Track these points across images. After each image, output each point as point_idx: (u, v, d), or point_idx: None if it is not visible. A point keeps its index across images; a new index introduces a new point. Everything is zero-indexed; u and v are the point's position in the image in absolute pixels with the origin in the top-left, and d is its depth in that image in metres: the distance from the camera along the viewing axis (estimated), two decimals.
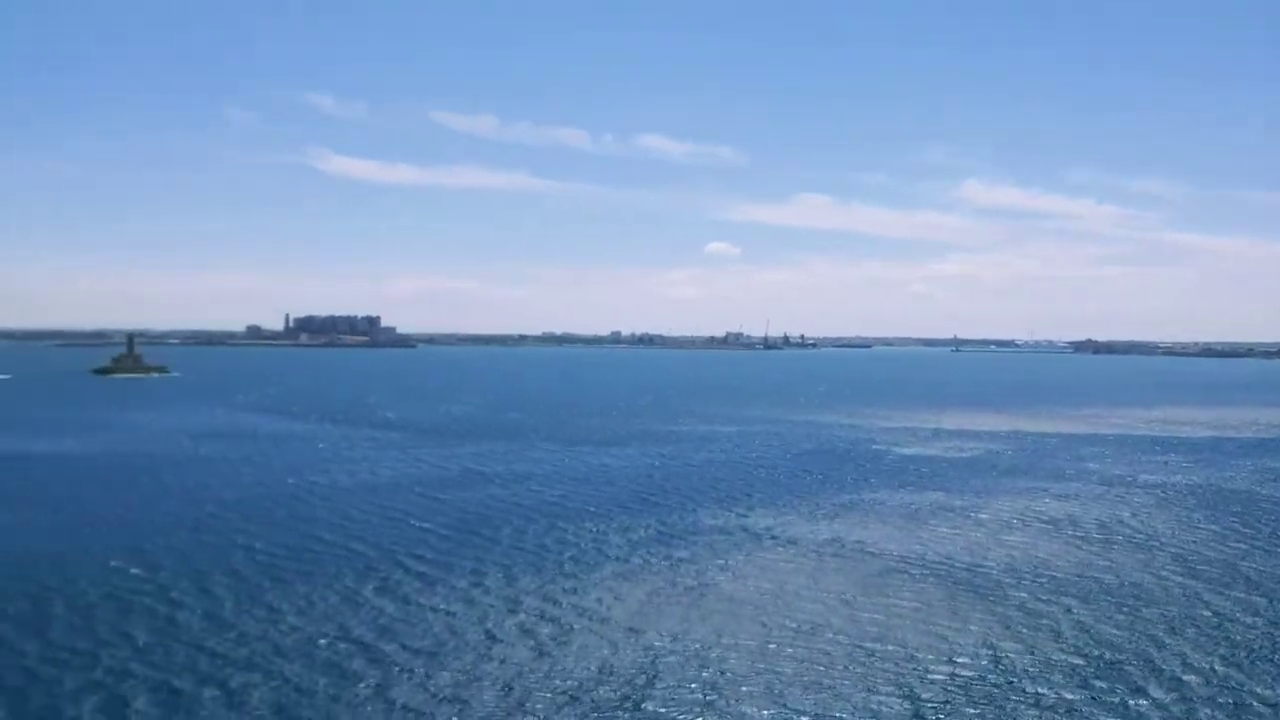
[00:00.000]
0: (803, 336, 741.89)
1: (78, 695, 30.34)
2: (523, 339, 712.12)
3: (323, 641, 35.59)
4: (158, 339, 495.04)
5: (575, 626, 37.55)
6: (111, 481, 71.39)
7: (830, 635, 36.60)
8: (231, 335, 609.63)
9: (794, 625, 37.81)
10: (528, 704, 29.97)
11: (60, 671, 32.25)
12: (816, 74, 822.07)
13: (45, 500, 63.22)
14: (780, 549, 51.24)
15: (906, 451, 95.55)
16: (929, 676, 32.45)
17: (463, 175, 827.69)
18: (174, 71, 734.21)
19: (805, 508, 63.57)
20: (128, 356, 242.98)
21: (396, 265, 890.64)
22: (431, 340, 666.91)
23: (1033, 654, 34.91)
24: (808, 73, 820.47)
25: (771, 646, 35.29)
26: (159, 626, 37.10)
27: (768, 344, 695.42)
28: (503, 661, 33.65)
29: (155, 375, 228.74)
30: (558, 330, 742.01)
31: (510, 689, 31.17)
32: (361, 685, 31.43)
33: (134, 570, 45.14)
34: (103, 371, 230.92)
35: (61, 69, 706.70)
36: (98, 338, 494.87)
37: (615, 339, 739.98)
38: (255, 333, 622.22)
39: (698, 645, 35.36)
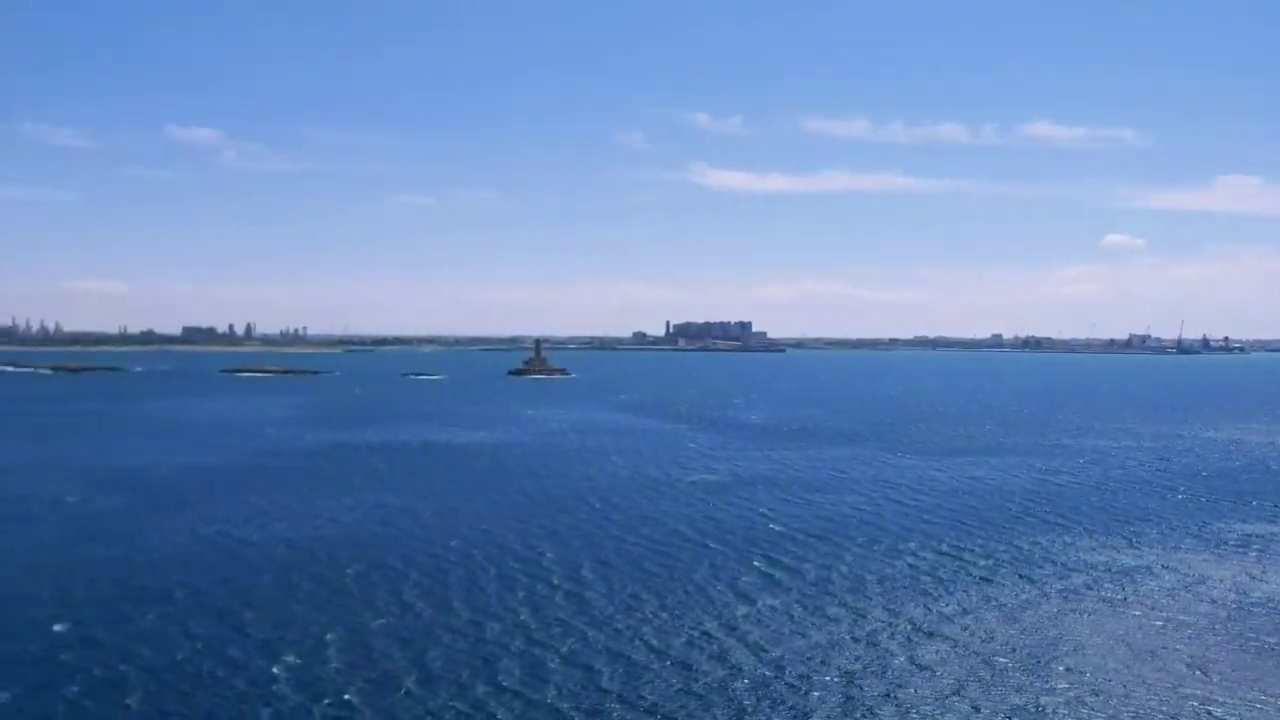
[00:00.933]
0: (1226, 340, 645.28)
1: (469, 658, 34.64)
2: (893, 343, 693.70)
3: (675, 632, 37.33)
4: (560, 344, 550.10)
5: (923, 645, 35.85)
6: (513, 470, 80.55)
7: (1227, 699, 31.41)
8: (620, 341, 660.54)
9: (1186, 681, 32.98)
10: (866, 717, 29.20)
11: (454, 638, 37.03)
12: (1232, 36, 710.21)
13: (462, 485, 72.85)
14: (1176, 589, 44.98)
15: None
16: None
17: (833, 180, 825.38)
18: (571, 102, 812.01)
19: (1211, 541, 55.24)
20: (536, 360, 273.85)
21: (768, 272, 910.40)
22: (800, 344, 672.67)
23: None
24: (1220, 35, 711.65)
25: (1150, 705, 31.06)
26: (537, 604, 41.17)
27: (1181, 348, 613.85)
28: (843, 672, 33.03)
29: (558, 377, 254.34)
30: (931, 334, 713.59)
31: (850, 700, 30.53)
32: (706, 679, 32.52)
33: (522, 552, 50.56)
34: (516, 373, 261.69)
35: (483, 107, 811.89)
36: (512, 343, 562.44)
37: (996, 342, 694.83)
38: (640, 338, 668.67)
39: (1061, 686, 32.14)
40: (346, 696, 31.02)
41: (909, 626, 38.15)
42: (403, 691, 31.50)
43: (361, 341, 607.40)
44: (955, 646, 35.81)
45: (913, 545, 52.64)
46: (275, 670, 33.14)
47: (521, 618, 39.33)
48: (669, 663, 34.10)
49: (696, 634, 37.25)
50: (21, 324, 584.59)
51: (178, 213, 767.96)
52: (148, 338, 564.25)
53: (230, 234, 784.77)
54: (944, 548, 52.21)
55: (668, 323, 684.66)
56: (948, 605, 41.14)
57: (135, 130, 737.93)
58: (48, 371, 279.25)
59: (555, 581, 44.84)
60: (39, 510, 61.14)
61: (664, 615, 39.68)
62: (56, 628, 37.19)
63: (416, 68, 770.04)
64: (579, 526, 57.29)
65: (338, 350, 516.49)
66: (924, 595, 42.77)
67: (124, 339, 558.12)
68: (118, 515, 59.64)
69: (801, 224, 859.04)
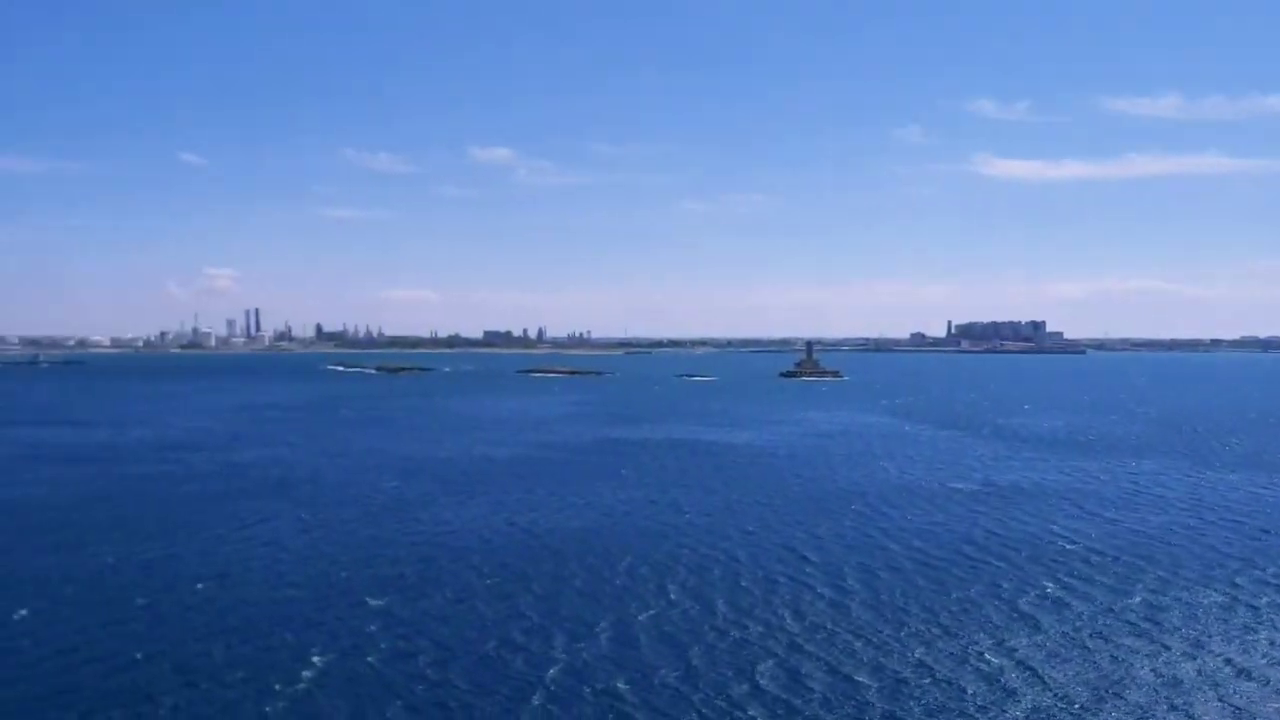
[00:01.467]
0: None
1: (731, 657, 34.91)
2: (1215, 344, 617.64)
3: (945, 649, 35.47)
4: (832, 346, 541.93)
5: (1235, 686, 31.55)
6: (778, 471, 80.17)
7: None
8: (897, 342, 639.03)
9: None
10: None
11: (716, 636, 37.47)
12: None
13: (727, 485, 73.55)
14: None
15: None
16: None
17: (1139, 164, 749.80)
18: (843, 100, 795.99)
19: None
20: (807, 361, 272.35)
21: (1064, 267, 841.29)
22: (1101, 346, 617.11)
23: None
24: None
25: None
26: (799, 608, 40.62)
27: None
28: (1136, 707, 29.83)
29: (829, 379, 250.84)
30: (1262, 333, 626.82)
31: None
32: (978, 701, 30.61)
33: (785, 554, 50.20)
34: (787, 375, 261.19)
35: (755, 111, 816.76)
36: (783, 345, 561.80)
37: None
38: (919, 339, 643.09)
39: None
40: (614, 684, 32.30)
41: (1219, 663, 33.76)
42: (665, 685, 32.31)
43: (640, 344, 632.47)
44: (1269, 689, 31.22)
45: (1229, 573, 46.51)
46: (549, 653, 35.18)
47: (783, 621, 39.05)
48: (937, 681, 32.46)
49: (969, 653, 35.18)
50: (351, 329, 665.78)
51: (479, 226, 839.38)
52: (454, 340, 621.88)
53: (523, 244, 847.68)
54: (1268, 577, 45.71)
55: (949, 323, 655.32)
56: (1268, 642, 35.96)
57: (442, 153, 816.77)
58: (372, 371, 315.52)
59: (818, 587, 44.10)
60: (362, 494, 69.02)
61: (934, 630, 37.84)
62: (369, 601, 41.73)
63: (689, 79, 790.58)
64: (844, 533, 55.99)
65: (618, 352, 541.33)
66: (1240, 630, 37.67)
67: (434, 342, 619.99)
68: (424, 501, 66.01)
69: (1102, 213, 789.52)
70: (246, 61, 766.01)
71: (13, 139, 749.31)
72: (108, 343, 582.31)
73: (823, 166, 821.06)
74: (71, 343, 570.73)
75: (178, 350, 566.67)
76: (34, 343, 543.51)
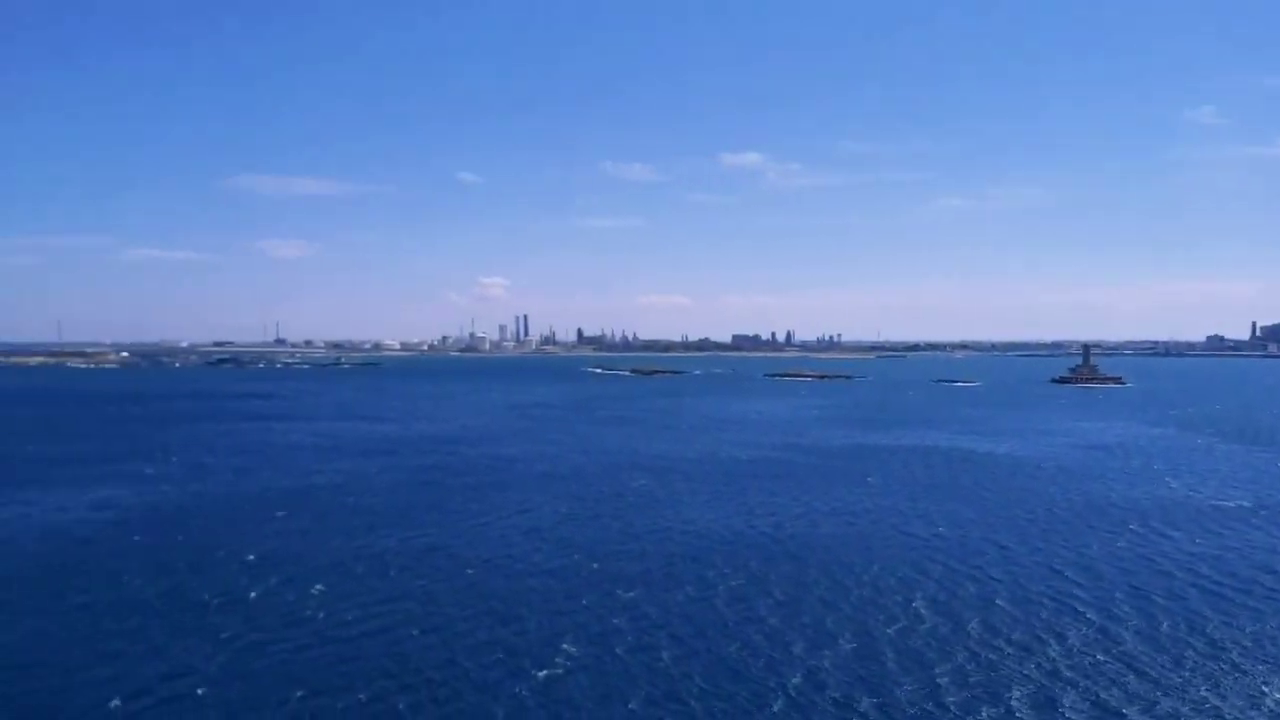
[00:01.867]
0: None
1: (981, 680, 33.13)
2: None
3: (1232, 688, 31.73)
4: (1113, 350, 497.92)
5: None
6: (1044, 484, 74.68)
7: None
8: (1190, 346, 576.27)
9: None
10: None
11: (965, 657, 35.67)
12: None
13: (982, 496, 69.61)
14: None
15: None
16: None
17: None
18: (1122, 79, 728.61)
19: None
20: (1084, 367, 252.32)
21: None
22: None
23: None
24: None
25: None
26: (1061, 633, 37.88)
27: None
28: None
29: (1110, 385, 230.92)
30: None
31: None
32: None
33: (1045, 574, 46.86)
34: (1061, 381, 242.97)
35: (1020, 99, 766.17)
36: (1056, 349, 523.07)
37: None
38: (1217, 343, 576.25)
39: None
40: (855, 697, 31.68)
41: None
42: (910, 703, 31.26)
43: (893, 347, 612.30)
44: None
45: None
46: (788, 659, 35.02)
47: (1044, 645, 36.55)
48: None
49: (1264, 694, 31.37)
50: (609, 333, 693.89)
51: (728, 231, 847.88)
52: (704, 344, 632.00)
53: (772, 248, 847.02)
54: None
55: (1254, 324, 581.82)
56: None
57: (694, 161, 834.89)
58: (627, 373, 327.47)
59: (1085, 612, 40.81)
60: (615, 490, 71.85)
61: (1221, 666, 34.00)
62: (618, 593, 43.45)
63: (943, 68, 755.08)
64: (1116, 554, 51.34)
65: (870, 356, 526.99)
66: None
67: (685, 345, 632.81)
68: (671, 499, 67.66)
69: None
70: (514, 87, 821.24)
71: (312, 166, 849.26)
72: (398, 346, 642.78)
73: (1103, 153, 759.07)
74: (368, 346, 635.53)
75: (456, 353, 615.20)
76: (337, 346, 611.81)
